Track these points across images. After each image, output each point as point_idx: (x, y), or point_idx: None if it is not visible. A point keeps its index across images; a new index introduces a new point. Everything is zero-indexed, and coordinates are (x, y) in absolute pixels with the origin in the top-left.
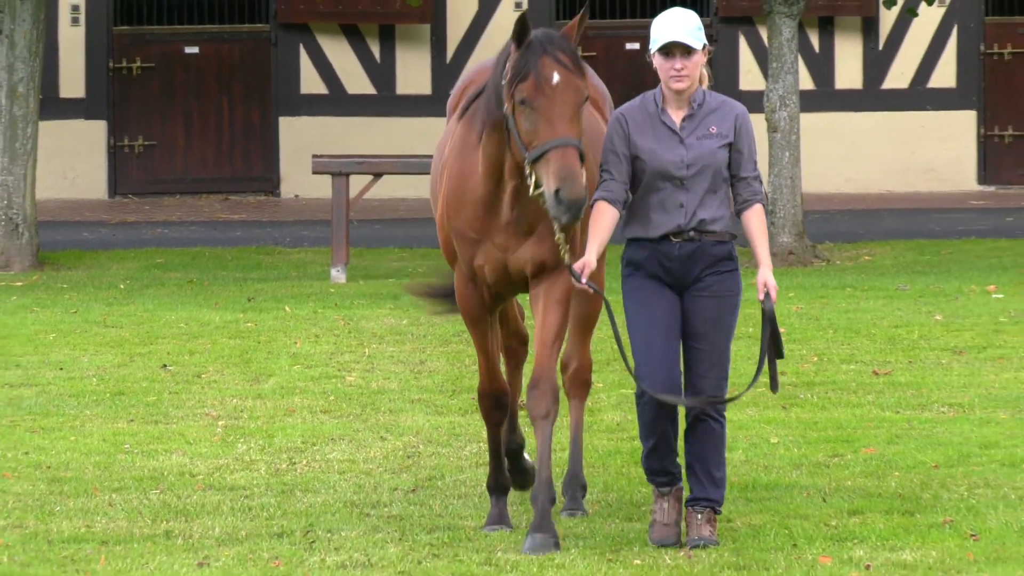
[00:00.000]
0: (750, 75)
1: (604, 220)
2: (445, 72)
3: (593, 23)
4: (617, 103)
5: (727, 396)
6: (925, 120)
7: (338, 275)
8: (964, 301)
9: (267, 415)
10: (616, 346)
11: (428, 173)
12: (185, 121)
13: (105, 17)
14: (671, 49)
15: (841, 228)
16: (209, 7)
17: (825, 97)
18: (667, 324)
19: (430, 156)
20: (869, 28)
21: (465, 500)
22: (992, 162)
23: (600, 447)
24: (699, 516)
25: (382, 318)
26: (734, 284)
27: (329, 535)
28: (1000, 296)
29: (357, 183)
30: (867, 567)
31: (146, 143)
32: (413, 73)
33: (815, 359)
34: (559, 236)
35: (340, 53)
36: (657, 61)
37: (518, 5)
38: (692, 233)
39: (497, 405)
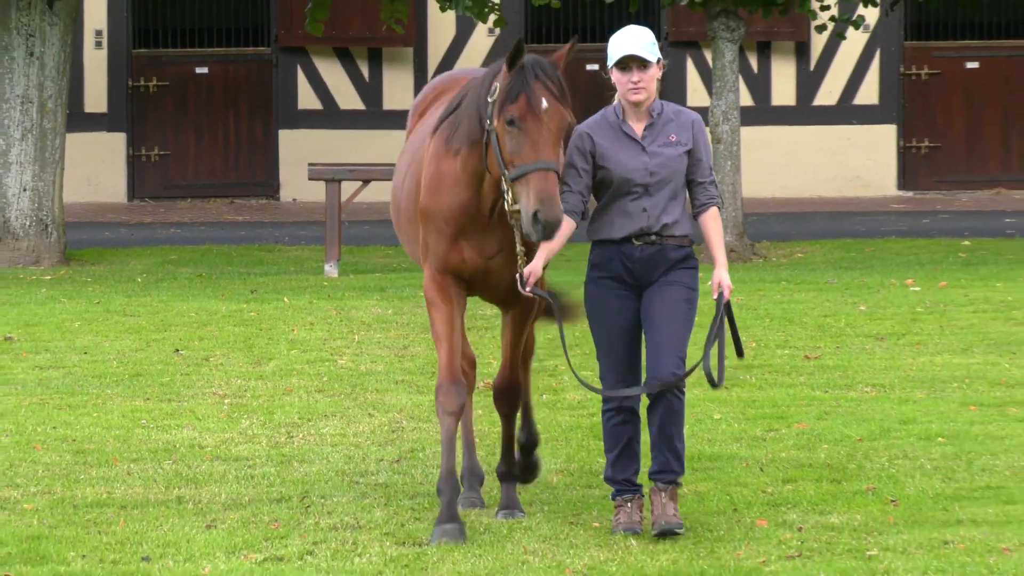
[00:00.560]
0: (696, 93)
1: (559, 230)
2: None
3: (551, 47)
4: (579, 118)
5: (684, 378)
6: (851, 133)
7: (331, 270)
8: (885, 293)
9: (268, 394)
10: (562, 347)
11: None
12: (196, 133)
13: (125, 41)
14: (628, 63)
15: (776, 229)
16: (217, 32)
17: (763, 112)
18: (627, 330)
19: None
20: (802, 51)
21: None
22: (910, 170)
23: (563, 423)
24: (663, 494)
25: (370, 308)
26: (692, 280)
27: (323, 500)
28: (917, 289)
29: (348, 188)
30: (799, 529)
31: (161, 153)
32: (398, 91)
33: (754, 345)
34: (520, 249)
35: (333, 73)
36: (615, 75)
37: (491, 31)
38: (654, 236)
39: (456, 395)
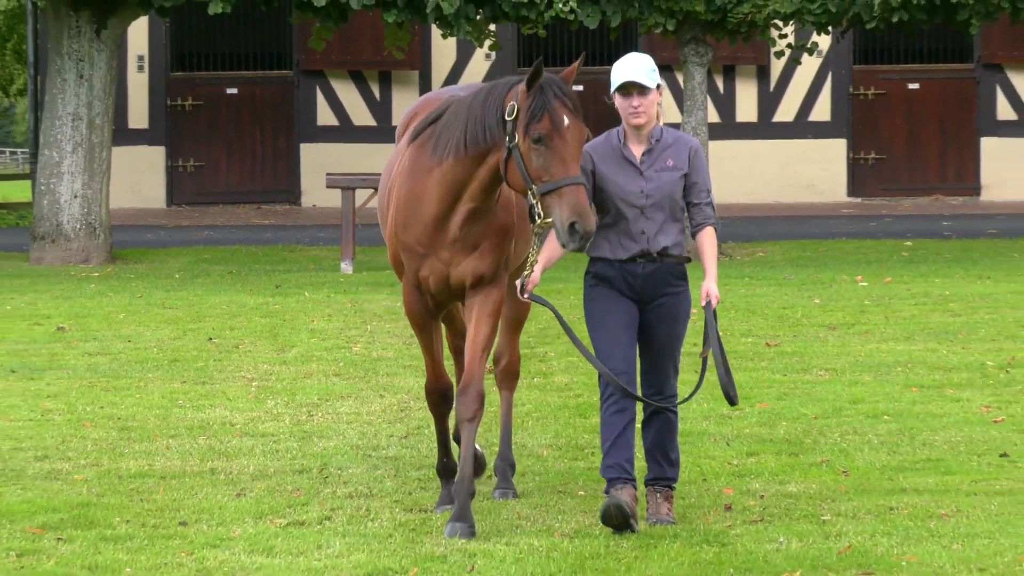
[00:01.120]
0: (669, 111)
1: (555, 242)
2: None
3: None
4: None
5: (677, 392)
6: (806, 146)
7: (346, 267)
8: (837, 288)
9: (290, 377)
10: (574, 346)
11: None
12: (226, 147)
13: (164, 65)
14: (629, 89)
15: (740, 231)
16: (245, 57)
17: (728, 128)
18: (627, 325)
19: None
20: (762, 74)
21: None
22: (858, 180)
23: (552, 402)
24: (658, 495)
25: (381, 301)
26: (685, 305)
27: (339, 472)
28: (865, 284)
29: (361, 195)
30: (761, 497)
31: (196, 164)
32: (405, 109)
33: (720, 334)
34: (532, 260)
35: (348, 93)
36: (617, 100)
37: (488, 55)
38: (655, 256)
39: (442, 399)
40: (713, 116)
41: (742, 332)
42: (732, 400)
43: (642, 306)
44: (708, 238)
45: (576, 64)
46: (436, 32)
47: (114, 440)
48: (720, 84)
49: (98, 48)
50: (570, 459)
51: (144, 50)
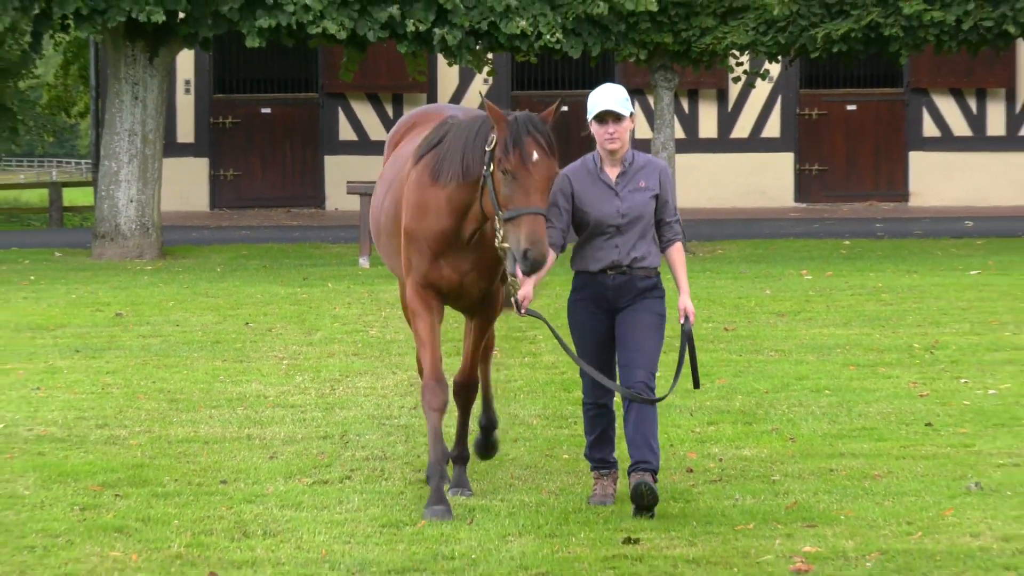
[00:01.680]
0: (641, 128)
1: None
2: None
3: (531, 92)
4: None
5: (655, 387)
6: (759, 159)
7: (364, 262)
8: (785, 281)
9: (316, 357)
10: (563, 351)
11: None
12: (261, 158)
13: (208, 88)
14: (604, 117)
15: (703, 232)
16: (277, 81)
17: (692, 143)
18: (602, 339)
19: None
20: (722, 96)
21: (450, 415)
22: (804, 187)
23: (540, 379)
24: (643, 474)
25: (394, 291)
26: (660, 306)
27: (358, 438)
28: (809, 277)
29: None
30: (720, 460)
31: (235, 173)
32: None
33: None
34: (511, 278)
35: (366, 113)
36: (594, 127)
37: (486, 80)
38: (625, 268)
39: (440, 393)
40: (679, 133)
41: (704, 319)
42: (696, 385)
43: (616, 313)
44: (678, 253)
45: (554, 107)
46: (442, 60)
47: (164, 410)
48: (685, 105)
49: (151, 74)
50: (556, 427)
51: (191, 75)
